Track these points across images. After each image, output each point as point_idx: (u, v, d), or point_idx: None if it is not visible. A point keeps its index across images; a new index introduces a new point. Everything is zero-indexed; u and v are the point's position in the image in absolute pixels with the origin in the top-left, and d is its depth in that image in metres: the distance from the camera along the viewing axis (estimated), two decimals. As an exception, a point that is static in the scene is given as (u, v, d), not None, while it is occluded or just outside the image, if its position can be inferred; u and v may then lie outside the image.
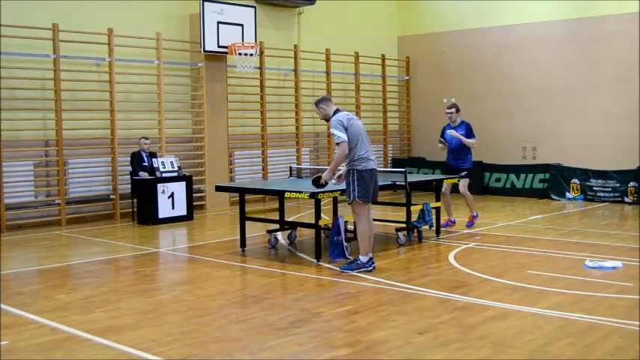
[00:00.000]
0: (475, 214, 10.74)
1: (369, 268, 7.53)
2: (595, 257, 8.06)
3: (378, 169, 7.73)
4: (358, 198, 7.44)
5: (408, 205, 9.38)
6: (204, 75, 13.34)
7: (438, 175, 10.47)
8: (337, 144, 7.43)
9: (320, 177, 7.73)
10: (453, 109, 10.69)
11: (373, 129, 17.25)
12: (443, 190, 10.39)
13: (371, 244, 7.58)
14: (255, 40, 13.57)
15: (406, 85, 17.88)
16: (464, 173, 10.53)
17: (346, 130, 7.39)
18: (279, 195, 9.15)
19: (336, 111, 7.69)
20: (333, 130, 7.43)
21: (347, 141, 7.34)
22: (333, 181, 7.71)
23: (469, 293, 6.61)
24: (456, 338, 5.24)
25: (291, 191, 8.39)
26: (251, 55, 13.18)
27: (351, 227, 9.49)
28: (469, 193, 10.66)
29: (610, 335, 5.27)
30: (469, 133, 10.54)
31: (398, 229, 9.44)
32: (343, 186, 8.40)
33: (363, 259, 7.55)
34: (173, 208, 11.73)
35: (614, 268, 7.55)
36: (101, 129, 12.22)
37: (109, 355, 5.03)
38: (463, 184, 10.54)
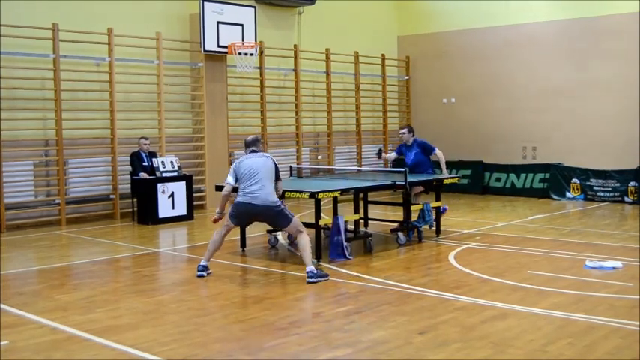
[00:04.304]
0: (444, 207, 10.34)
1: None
2: (595, 257, 8.06)
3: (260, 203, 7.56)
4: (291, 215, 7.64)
5: (408, 205, 9.37)
6: (204, 75, 13.34)
7: (438, 175, 10.45)
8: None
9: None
10: (405, 130, 10.40)
11: (373, 129, 17.27)
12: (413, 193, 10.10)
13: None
14: (255, 40, 13.56)
15: (406, 85, 17.88)
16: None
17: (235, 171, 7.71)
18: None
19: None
20: None
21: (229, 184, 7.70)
22: None
23: (469, 293, 6.61)
24: (456, 338, 5.24)
25: (291, 191, 8.39)
26: (251, 54, 13.18)
27: (351, 227, 9.50)
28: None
29: (610, 335, 5.27)
30: (427, 149, 10.27)
31: (398, 229, 9.43)
32: (343, 186, 8.41)
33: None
34: (173, 208, 11.73)
35: (614, 268, 7.56)
36: (101, 129, 12.21)
37: (109, 355, 5.03)
38: (416, 192, 10.03)
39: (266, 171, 7.62)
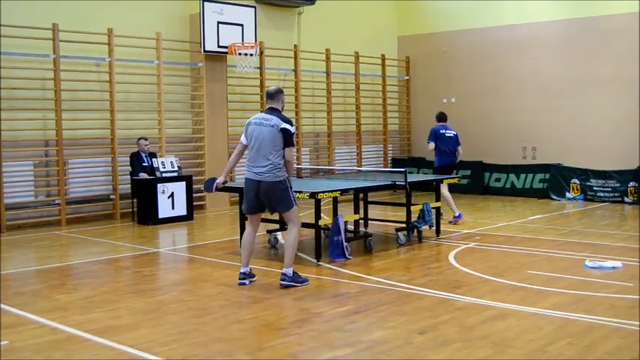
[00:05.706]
0: (458, 214, 11.09)
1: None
2: (595, 257, 8.06)
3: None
4: (296, 204, 6.99)
5: (408, 205, 9.38)
6: (204, 75, 13.34)
7: (438, 175, 10.47)
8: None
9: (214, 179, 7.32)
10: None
11: (373, 129, 17.27)
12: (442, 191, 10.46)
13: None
14: (255, 40, 13.57)
15: (406, 85, 17.88)
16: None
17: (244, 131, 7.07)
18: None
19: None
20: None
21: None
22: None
23: (469, 293, 6.61)
24: (456, 338, 5.24)
25: (291, 191, 8.36)
26: (251, 55, 13.18)
27: (351, 227, 9.51)
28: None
29: (610, 335, 5.28)
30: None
31: (398, 229, 9.44)
32: (343, 186, 8.41)
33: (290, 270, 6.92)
34: (173, 208, 11.73)
35: (614, 268, 7.56)
36: (101, 129, 12.21)
37: (109, 355, 5.03)
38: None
39: (271, 138, 6.72)
